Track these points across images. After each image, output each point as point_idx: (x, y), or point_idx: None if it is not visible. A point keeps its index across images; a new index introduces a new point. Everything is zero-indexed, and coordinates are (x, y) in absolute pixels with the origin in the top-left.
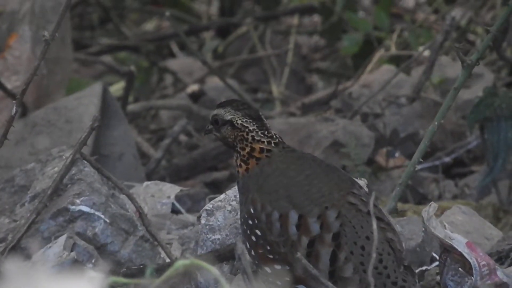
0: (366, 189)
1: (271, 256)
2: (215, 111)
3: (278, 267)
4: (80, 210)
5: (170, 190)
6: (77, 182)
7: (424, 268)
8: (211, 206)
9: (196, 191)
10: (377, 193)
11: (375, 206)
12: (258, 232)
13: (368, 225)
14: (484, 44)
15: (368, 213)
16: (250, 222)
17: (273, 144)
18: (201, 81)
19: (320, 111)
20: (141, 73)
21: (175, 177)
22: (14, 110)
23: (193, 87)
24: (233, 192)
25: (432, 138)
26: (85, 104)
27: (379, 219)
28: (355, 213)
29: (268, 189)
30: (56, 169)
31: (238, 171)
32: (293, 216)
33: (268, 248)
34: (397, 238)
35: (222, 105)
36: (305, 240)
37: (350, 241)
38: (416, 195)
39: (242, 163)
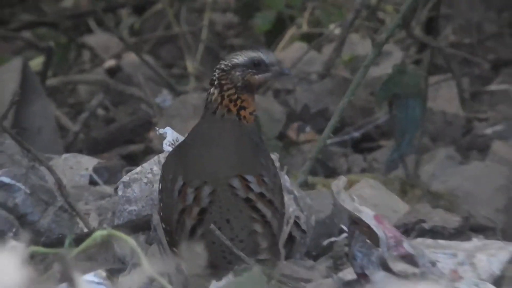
0: (278, 164)
1: (161, 214)
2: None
3: (163, 225)
4: (1, 181)
5: (88, 163)
6: None
7: (333, 239)
8: (127, 178)
9: (113, 163)
10: (288, 167)
11: (269, 200)
12: (160, 186)
13: (237, 210)
14: (394, 22)
15: (246, 199)
16: (161, 172)
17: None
18: (117, 56)
19: None
20: (60, 48)
21: (92, 149)
22: None
23: (110, 63)
24: (149, 164)
25: (342, 114)
26: (6, 79)
27: (255, 209)
28: (229, 195)
29: (184, 145)
30: None
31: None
32: (179, 182)
33: (161, 204)
34: (266, 232)
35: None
36: (180, 207)
37: (211, 220)
38: (325, 169)
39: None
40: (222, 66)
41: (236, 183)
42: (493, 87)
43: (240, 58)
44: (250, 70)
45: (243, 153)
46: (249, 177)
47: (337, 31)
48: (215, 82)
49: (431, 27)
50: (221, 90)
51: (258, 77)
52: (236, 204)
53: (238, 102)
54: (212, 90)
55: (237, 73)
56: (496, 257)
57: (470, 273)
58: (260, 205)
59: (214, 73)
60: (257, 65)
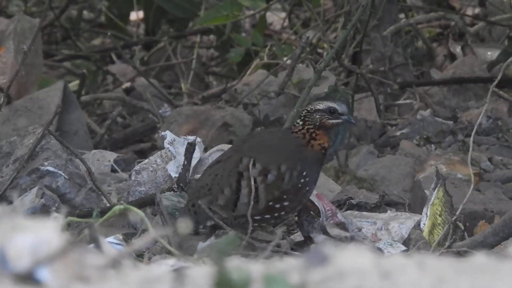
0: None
1: None
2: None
3: None
4: (47, 170)
5: (110, 156)
6: (45, 150)
7: None
8: (138, 167)
9: (128, 156)
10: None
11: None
12: None
13: (227, 173)
14: (329, 55)
15: (239, 173)
16: None
17: None
18: (132, 80)
19: (215, 101)
20: (91, 74)
21: (113, 147)
22: (1, 100)
23: (127, 84)
24: (154, 158)
25: (292, 120)
26: (52, 96)
27: (238, 181)
28: (233, 162)
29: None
30: (31, 141)
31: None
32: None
33: None
34: (231, 198)
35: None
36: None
37: (210, 171)
38: None
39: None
40: (309, 108)
41: (245, 160)
42: (400, 101)
43: (321, 105)
44: (326, 115)
45: (277, 155)
46: (257, 165)
47: (288, 61)
48: (302, 117)
49: (356, 59)
50: (304, 124)
51: (331, 122)
52: (230, 170)
53: (312, 134)
54: (299, 121)
55: (317, 116)
56: (405, 224)
57: (386, 236)
58: (243, 182)
59: (303, 111)
60: (332, 113)
